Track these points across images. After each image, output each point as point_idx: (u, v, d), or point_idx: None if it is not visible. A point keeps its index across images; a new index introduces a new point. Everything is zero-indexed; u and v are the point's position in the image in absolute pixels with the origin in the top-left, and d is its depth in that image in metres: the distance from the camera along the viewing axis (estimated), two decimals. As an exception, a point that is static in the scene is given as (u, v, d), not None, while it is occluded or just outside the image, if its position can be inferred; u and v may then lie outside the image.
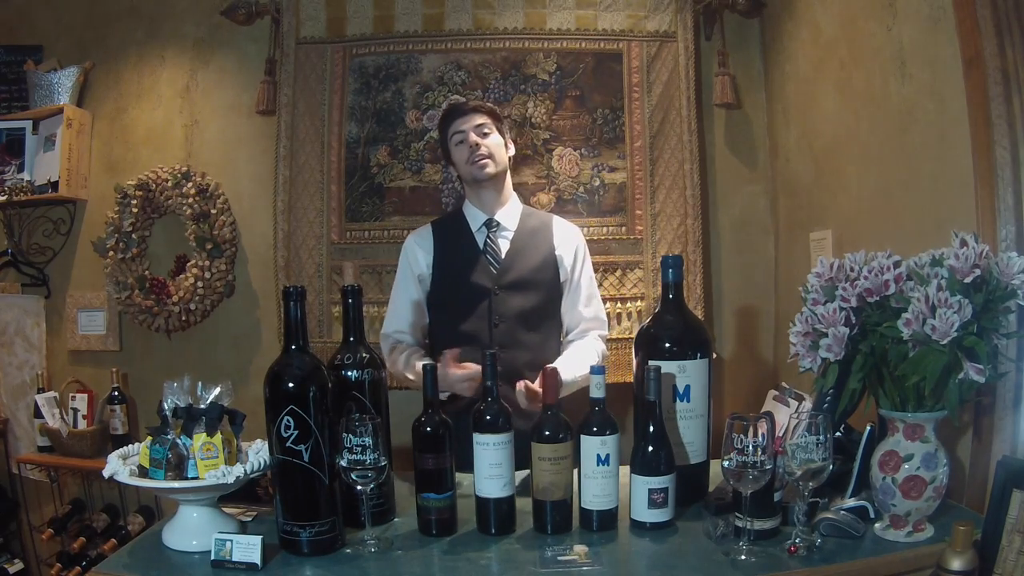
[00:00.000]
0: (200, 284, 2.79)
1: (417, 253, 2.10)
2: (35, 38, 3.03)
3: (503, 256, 2.05)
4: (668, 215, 2.71)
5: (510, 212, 2.11)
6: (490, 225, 2.08)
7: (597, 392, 1.42)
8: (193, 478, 1.34)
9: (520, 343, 1.98)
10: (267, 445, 1.37)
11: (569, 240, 2.13)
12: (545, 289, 2.06)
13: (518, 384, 1.76)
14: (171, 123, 2.94)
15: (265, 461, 1.37)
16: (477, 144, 2.03)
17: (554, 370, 1.46)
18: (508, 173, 2.15)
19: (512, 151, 2.18)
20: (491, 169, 2.04)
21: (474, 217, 2.10)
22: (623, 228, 2.70)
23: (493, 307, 1.99)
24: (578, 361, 1.93)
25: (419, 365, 1.94)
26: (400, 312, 2.10)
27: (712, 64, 2.76)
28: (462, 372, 1.81)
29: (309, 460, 1.30)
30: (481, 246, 2.07)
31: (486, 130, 2.06)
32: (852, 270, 1.37)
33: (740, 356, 2.83)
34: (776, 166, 2.76)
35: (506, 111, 2.70)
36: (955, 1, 1.59)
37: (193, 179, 2.82)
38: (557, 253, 2.09)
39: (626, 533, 1.41)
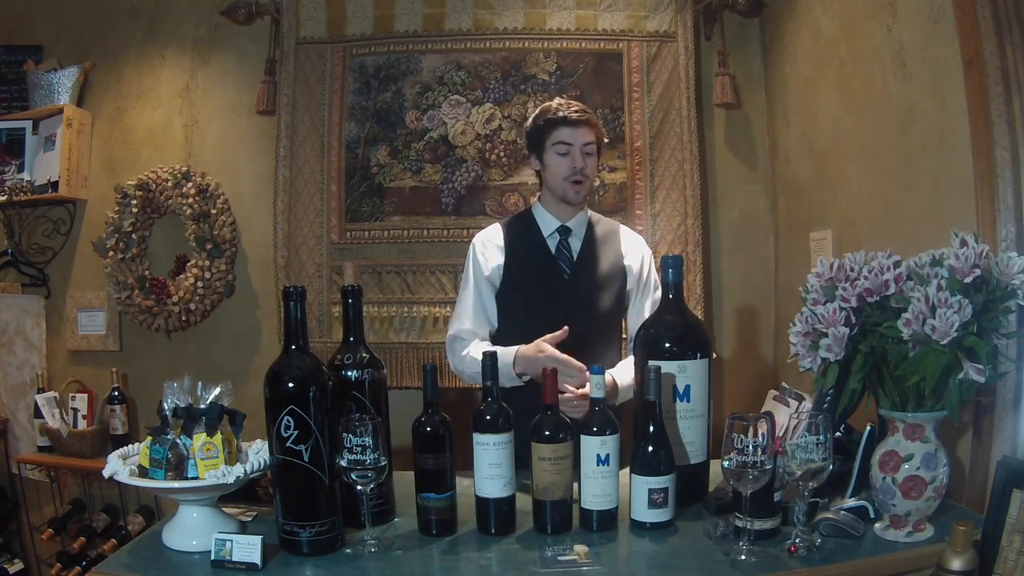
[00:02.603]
0: (200, 284, 2.79)
1: (487, 253, 2.05)
2: (35, 38, 3.03)
3: (575, 262, 2.03)
4: (668, 215, 2.71)
5: (581, 219, 2.08)
6: (562, 231, 2.05)
7: (597, 392, 1.42)
8: (193, 478, 1.34)
9: (585, 348, 1.89)
10: (267, 445, 1.37)
11: (637, 248, 2.11)
12: (612, 296, 2.04)
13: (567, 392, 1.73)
14: (171, 123, 2.94)
15: (265, 461, 1.37)
16: (583, 168, 1.98)
17: (554, 370, 1.46)
18: None
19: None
20: (584, 193, 2.02)
21: (546, 222, 2.06)
22: (623, 228, 2.70)
23: (564, 311, 1.94)
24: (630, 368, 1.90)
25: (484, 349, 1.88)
26: (467, 313, 2.04)
27: (712, 64, 2.76)
28: (565, 357, 1.75)
29: (309, 460, 1.30)
30: (553, 251, 2.04)
31: (591, 150, 1.99)
32: (852, 270, 1.37)
33: (740, 356, 2.83)
34: (776, 166, 2.76)
35: (506, 111, 2.70)
36: (955, 1, 1.58)
37: (193, 179, 2.83)
38: (626, 262, 2.07)
39: (626, 533, 1.41)
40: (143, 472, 1.37)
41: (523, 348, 1.85)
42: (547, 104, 2.08)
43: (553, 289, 2.00)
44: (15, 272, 3.01)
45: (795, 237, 2.57)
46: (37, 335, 3.03)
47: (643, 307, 2.08)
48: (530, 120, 2.06)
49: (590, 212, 2.14)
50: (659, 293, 2.07)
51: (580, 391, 1.74)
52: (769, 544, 1.31)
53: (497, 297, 2.06)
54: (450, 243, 2.71)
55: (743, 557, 1.26)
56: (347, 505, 1.38)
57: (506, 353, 1.88)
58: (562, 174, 1.99)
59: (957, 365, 1.23)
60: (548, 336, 1.82)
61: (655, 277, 2.12)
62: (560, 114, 1.98)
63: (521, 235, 2.07)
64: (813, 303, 1.38)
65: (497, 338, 2.06)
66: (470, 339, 2.02)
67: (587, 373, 1.57)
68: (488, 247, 2.06)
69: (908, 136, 1.83)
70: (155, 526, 1.50)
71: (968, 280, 1.23)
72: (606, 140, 2.13)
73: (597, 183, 2.69)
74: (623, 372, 1.91)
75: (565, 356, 1.77)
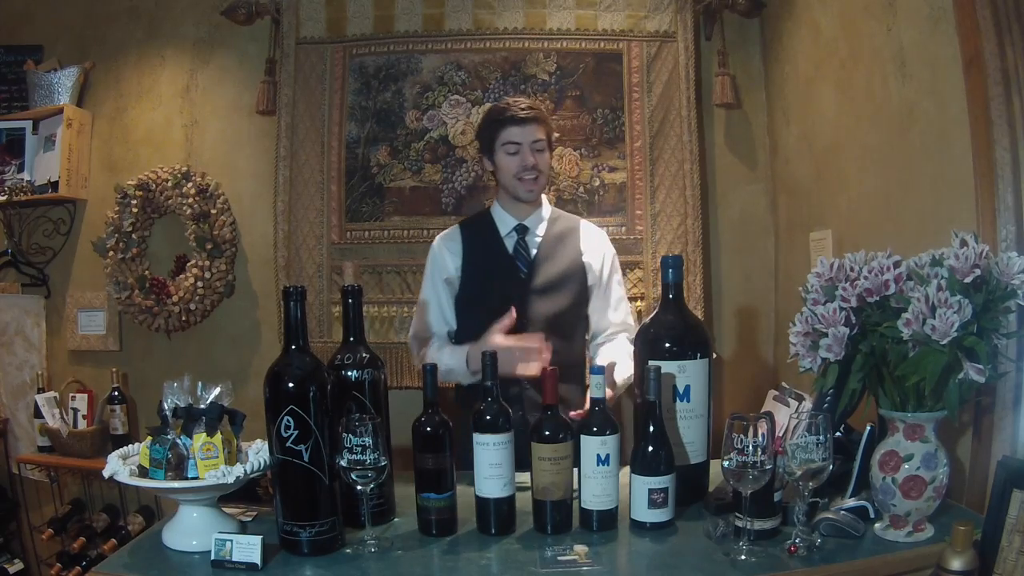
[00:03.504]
0: (200, 284, 2.79)
1: (446, 257, 2.07)
2: (35, 38, 3.03)
3: (532, 261, 2.04)
4: (668, 215, 2.71)
5: (540, 216, 2.09)
6: (520, 230, 2.06)
7: (597, 392, 1.42)
8: (193, 478, 1.34)
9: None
10: (267, 445, 1.37)
11: (597, 245, 2.11)
12: (572, 293, 2.04)
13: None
14: (171, 123, 2.94)
15: (265, 461, 1.37)
16: (534, 165, 1.98)
17: (554, 370, 1.46)
18: None
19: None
20: (538, 190, 2.03)
21: (504, 221, 2.07)
22: (623, 228, 2.70)
23: (522, 311, 1.96)
24: (625, 364, 1.92)
25: (448, 348, 1.97)
26: (427, 315, 2.07)
27: (712, 64, 2.76)
28: (516, 342, 1.80)
29: (309, 460, 1.30)
30: (511, 251, 2.05)
31: (540, 147, 2.00)
32: (852, 270, 1.37)
33: (740, 356, 2.83)
34: (776, 166, 2.76)
35: (506, 111, 2.70)
36: (955, 1, 1.58)
37: (193, 179, 2.83)
38: (585, 259, 2.07)
39: (626, 533, 1.41)
40: (143, 472, 1.37)
41: (474, 345, 1.88)
42: (495, 104, 2.11)
43: (511, 288, 2.01)
44: (15, 272, 3.01)
45: (795, 237, 2.57)
46: (37, 335, 3.03)
47: (605, 305, 2.09)
48: (479, 122, 2.07)
49: (551, 209, 2.14)
50: (622, 291, 2.14)
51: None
52: (769, 544, 1.31)
53: (457, 297, 2.08)
54: (450, 243, 2.71)
55: (743, 557, 1.26)
56: (347, 505, 1.38)
57: (457, 353, 1.93)
58: (512, 172, 2.00)
59: (957, 365, 1.23)
60: (495, 326, 1.85)
61: (618, 276, 2.14)
62: (508, 113, 1.99)
63: (479, 235, 2.09)
64: (813, 303, 1.38)
65: (458, 338, 2.07)
66: (430, 339, 2.05)
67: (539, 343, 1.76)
68: (446, 249, 2.08)
69: (908, 136, 1.83)
70: (155, 526, 1.50)
71: (968, 280, 1.23)
72: (556, 136, 2.13)
73: (596, 183, 2.69)
74: (620, 370, 1.90)
75: (513, 340, 1.81)
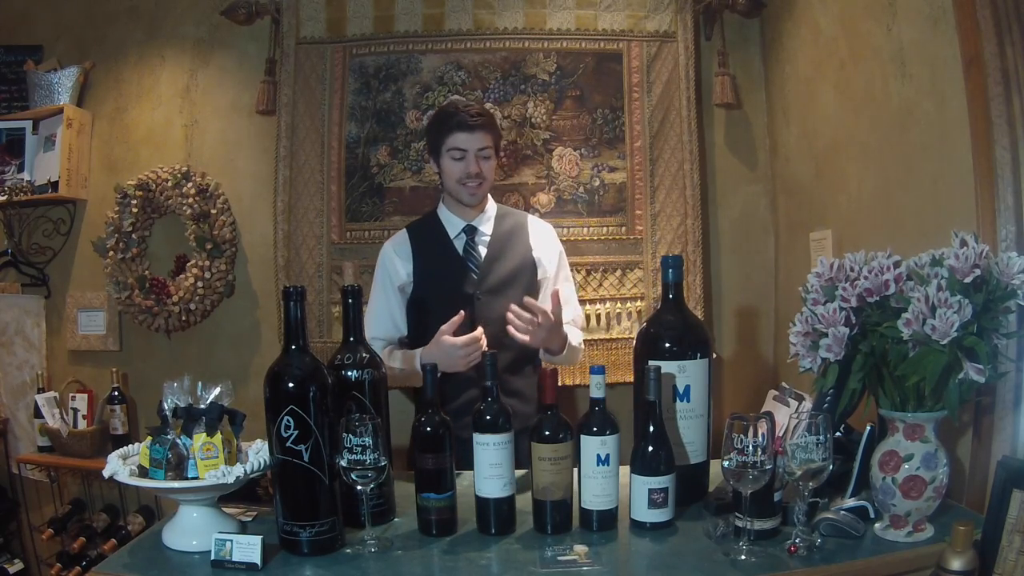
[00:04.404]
0: (200, 284, 2.79)
1: (396, 262, 2.08)
2: (35, 38, 3.03)
3: (482, 261, 2.06)
4: (668, 215, 2.71)
5: (487, 216, 2.11)
6: (468, 231, 2.08)
7: (597, 392, 1.42)
8: (193, 478, 1.34)
9: (503, 345, 1.93)
10: (267, 445, 1.37)
11: (546, 241, 2.14)
12: (524, 289, 2.05)
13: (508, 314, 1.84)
14: (171, 123, 2.94)
15: (265, 461, 1.37)
16: (478, 172, 2.00)
17: (554, 371, 1.46)
18: None
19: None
20: (481, 195, 2.06)
21: (452, 223, 2.09)
22: (623, 228, 2.70)
23: (476, 312, 1.99)
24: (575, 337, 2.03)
25: (399, 353, 1.98)
26: (378, 320, 2.07)
27: (712, 64, 2.76)
28: (463, 339, 1.82)
29: (309, 460, 1.30)
30: (461, 252, 2.07)
31: (487, 154, 2.02)
32: (852, 270, 1.37)
33: (740, 356, 2.83)
34: (776, 166, 2.76)
35: (506, 111, 2.70)
36: (955, 1, 1.58)
37: (193, 179, 2.82)
38: (535, 255, 2.10)
39: (626, 533, 1.41)
40: (143, 472, 1.37)
41: (425, 348, 1.89)
42: (444, 106, 2.12)
43: (463, 289, 2.02)
44: (15, 272, 3.00)
45: (795, 237, 2.57)
46: (37, 335, 3.03)
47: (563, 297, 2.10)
48: (427, 122, 2.07)
49: (497, 207, 2.15)
50: (571, 286, 2.19)
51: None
52: (769, 544, 1.31)
53: (409, 302, 2.08)
54: (450, 243, 2.71)
55: (743, 557, 1.26)
56: (347, 505, 1.38)
57: (410, 357, 1.94)
58: (456, 177, 2.02)
59: (957, 365, 1.23)
60: (444, 326, 1.86)
61: (566, 271, 2.17)
62: (456, 120, 1.99)
63: (428, 239, 2.09)
64: (813, 303, 1.38)
65: (412, 342, 2.07)
66: (381, 346, 2.03)
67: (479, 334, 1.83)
68: (396, 255, 2.08)
69: (908, 136, 1.83)
70: (155, 526, 1.50)
71: (968, 280, 1.23)
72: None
73: (596, 183, 2.69)
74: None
75: (461, 337, 1.83)
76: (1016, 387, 1.44)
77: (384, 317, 2.08)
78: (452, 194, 2.07)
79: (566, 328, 2.03)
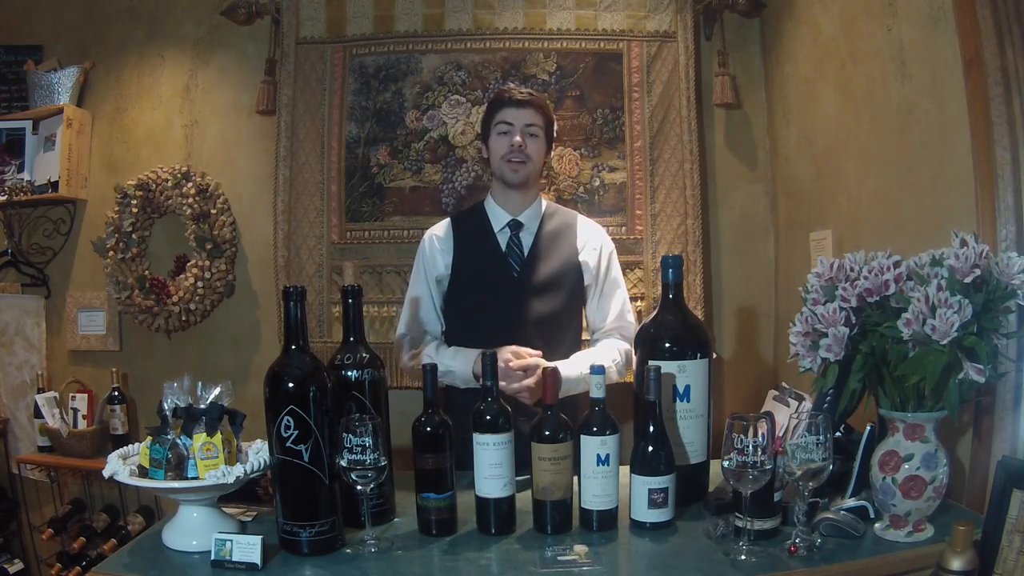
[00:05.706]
0: (200, 284, 2.79)
1: (435, 253, 2.01)
2: (35, 38, 3.03)
3: (526, 259, 1.98)
4: (668, 215, 2.71)
5: (534, 212, 2.03)
6: (513, 226, 2.00)
7: (597, 392, 1.42)
8: (193, 478, 1.34)
9: (539, 346, 1.87)
10: (267, 445, 1.37)
11: (593, 243, 2.05)
12: (567, 292, 1.99)
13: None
14: (171, 123, 2.94)
15: (265, 461, 1.37)
16: (521, 145, 1.94)
17: (555, 370, 1.46)
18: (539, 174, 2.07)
19: (551, 155, 2.11)
20: (524, 174, 1.96)
21: (497, 216, 2.01)
22: (623, 228, 2.70)
23: (514, 310, 1.92)
24: (581, 361, 1.89)
25: (452, 351, 1.93)
26: (421, 312, 2.02)
27: (712, 64, 2.76)
28: (519, 363, 1.77)
29: (309, 460, 1.30)
30: (504, 248, 1.99)
31: (534, 131, 1.96)
32: (852, 270, 1.37)
33: (740, 356, 2.83)
34: (776, 166, 2.76)
35: (506, 111, 2.70)
36: (955, 1, 1.58)
37: (193, 179, 2.83)
38: (581, 258, 2.02)
39: (626, 533, 1.41)
40: (143, 472, 1.37)
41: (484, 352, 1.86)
42: (497, 89, 2.07)
43: (502, 288, 1.95)
44: (15, 272, 3.00)
45: (795, 237, 2.57)
46: (37, 335, 3.03)
47: (607, 304, 2.03)
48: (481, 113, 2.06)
49: (546, 203, 2.08)
50: (622, 291, 2.08)
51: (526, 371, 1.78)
52: (769, 544, 1.31)
53: (446, 295, 2.02)
54: (450, 243, 2.71)
55: (743, 557, 1.26)
56: (347, 505, 1.38)
57: (463, 355, 1.89)
58: (500, 153, 1.95)
59: (957, 365, 1.23)
60: (507, 348, 1.80)
61: (617, 272, 2.08)
62: (506, 95, 1.97)
63: (471, 231, 2.03)
64: (813, 303, 1.38)
65: (447, 337, 2.02)
66: (421, 338, 1.99)
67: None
68: (437, 245, 2.02)
69: (908, 136, 1.83)
70: (155, 526, 1.50)
71: (968, 280, 1.23)
72: (556, 128, 2.09)
73: (596, 183, 2.69)
74: (573, 364, 1.88)
75: (518, 361, 1.79)
76: (1016, 387, 1.44)
77: (425, 307, 2.01)
78: (497, 173, 1.99)
79: (602, 338, 2.00)
